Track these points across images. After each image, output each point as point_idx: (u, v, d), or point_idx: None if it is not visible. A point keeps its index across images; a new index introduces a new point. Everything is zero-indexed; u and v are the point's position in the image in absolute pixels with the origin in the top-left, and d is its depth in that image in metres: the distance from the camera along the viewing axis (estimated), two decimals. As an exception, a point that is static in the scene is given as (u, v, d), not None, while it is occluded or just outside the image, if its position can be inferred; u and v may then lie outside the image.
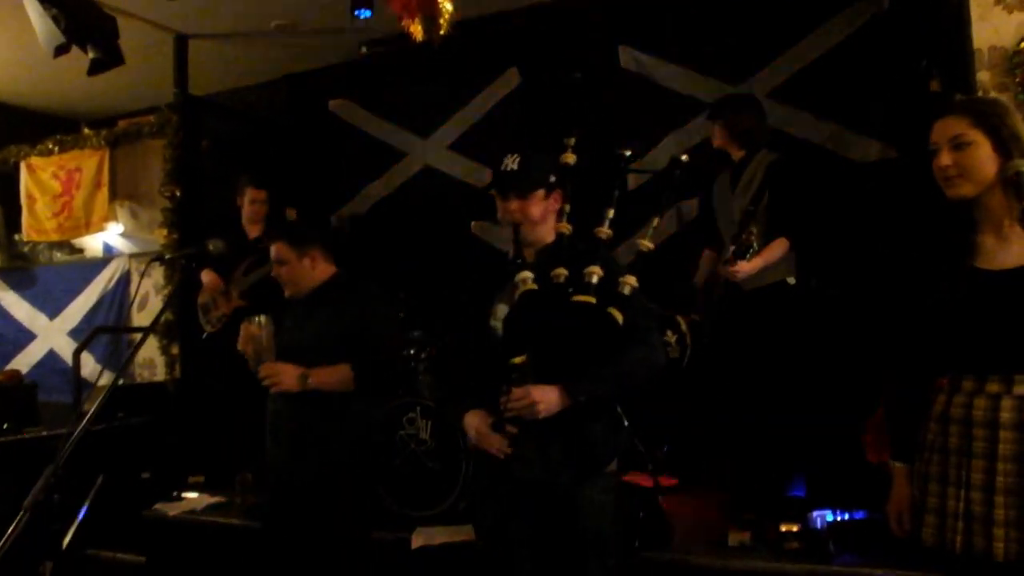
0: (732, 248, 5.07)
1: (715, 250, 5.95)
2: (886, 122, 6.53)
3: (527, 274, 3.65)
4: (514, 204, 3.78)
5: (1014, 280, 2.91)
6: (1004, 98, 5.13)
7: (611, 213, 3.77)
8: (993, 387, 2.93)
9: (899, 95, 6.26)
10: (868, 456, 4.99)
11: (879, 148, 6.60)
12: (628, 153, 3.77)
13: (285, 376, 4.50)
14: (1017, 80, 5.25)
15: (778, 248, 5.32)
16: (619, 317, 3.53)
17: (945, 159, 2.99)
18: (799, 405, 5.45)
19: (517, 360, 3.57)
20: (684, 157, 4.03)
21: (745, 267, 5.12)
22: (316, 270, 4.93)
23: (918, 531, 3.09)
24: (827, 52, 6.88)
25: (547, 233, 3.87)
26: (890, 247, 4.55)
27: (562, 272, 3.62)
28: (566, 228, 3.82)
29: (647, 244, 3.73)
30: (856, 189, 6.41)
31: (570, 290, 3.60)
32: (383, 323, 4.94)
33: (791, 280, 5.54)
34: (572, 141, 3.85)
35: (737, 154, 5.75)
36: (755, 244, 4.99)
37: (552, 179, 3.83)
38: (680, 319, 5.69)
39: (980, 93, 5.26)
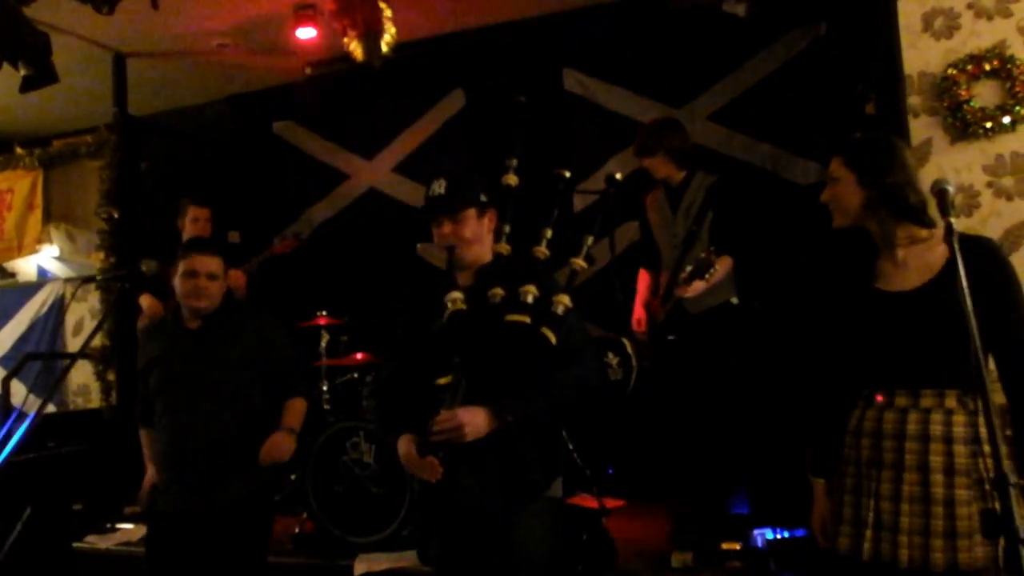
0: (689, 268, 5.34)
1: (652, 271, 6.26)
2: (823, 144, 6.83)
3: (457, 294, 3.65)
4: (447, 227, 3.79)
5: (913, 301, 3.23)
6: (934, 121, 5.65)
7: (549, 233, 3.76)
8: (901, 401, 3.24)
9: (836, 118, 6.62)
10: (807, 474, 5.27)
11: (817, 170, 7.04)
12: (567, 174, 3.87)
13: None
14: (945, 104, 5.61)
15: (722, 267, 5.56)
16: (552, 337, 3.52)
17: (825, 194, 3.50)
18: (744, 423, 5.75)
19: (442, 381, 3.62)
20: (618, 175, 4.17)
21: (700, 286, 5.43)
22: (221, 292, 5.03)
23: (835, 541, 3.36)
24: (767, 76, 7.38)
25: (484, 253, 3.89)
26: (810, 268, 4.78)
27: (498, 292, 3.63)
28: (504, 248, 3.82)
29: (580, 263, 3.72)
30: (794, 210, 6.70)
31: (504, 310, 3.61)
32: (286, 344, 5.18)
33: (734, 300, 5.86)
34: (514, 162, 3.86)
35: (676, 178, 6.03)
36: (715, 263, 5.23)
37: (484, 198, 3.86)
38: (625, 341, 5.94)
39: (912, 116, 5.69)
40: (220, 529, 4.72)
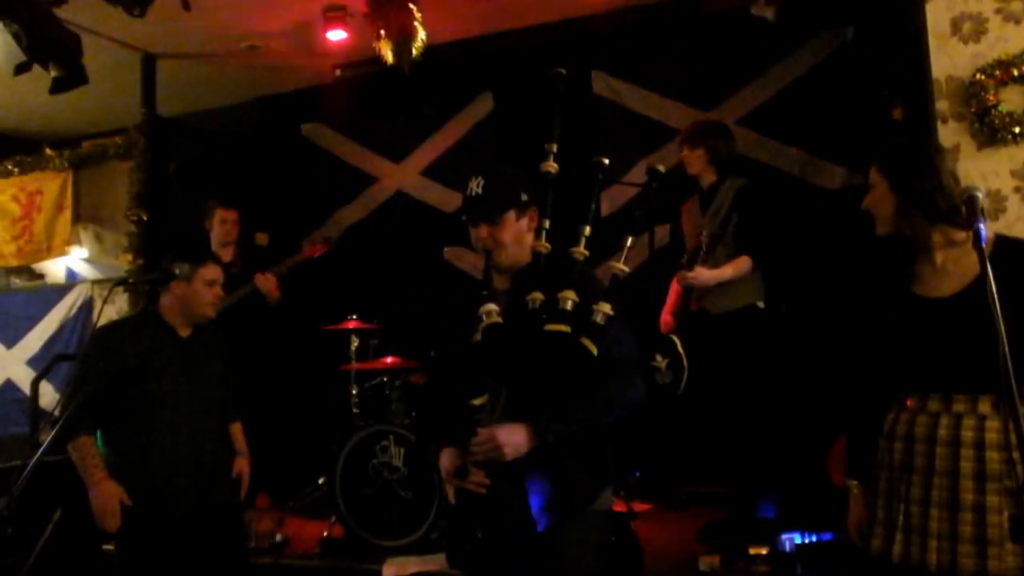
0: (686, 256, 5.48)
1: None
2: (851, 149, 7.09)
3: (492, 307, 3.52)
4: (484, 231, 3.64)
5: (950, 308, 3.24)
6: (961, 126, 5.65)
7: (587, 231, 3.61)
8: (934, 405, 3.26)
9: (864, 123, 6.76)
10: (832, 478, 5.35)
11: (844, 174, 7.19)
12: (606, 162, 3.65)
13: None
14: (973, 110, 5.61)
15: (741, 264, 5.74)
16: (592, 348, 3.39)
17: (864, 202, 3.50)
18: (770, 427, 5.81)
19: (477, 402, 3.52)
20: (661, 167, 3.96)
21: (703, 273, 5.61)
22: None
23: (868, 542, 3.42)
24: (795, 80, 7.48)
25: (522, 254, 3.73)
26: (845, 272, 4.71)
27: (538, 296, 3.48)
28: (543, 247, 3.65)
29: (621, 267, 3.55)
30: (822, 214, 6.87)
31: (544, 316, 3.45)
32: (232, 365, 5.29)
33: (760, 304, 5.95)
34: (554, 147, 3.68)
35: (709, 180, 6.14)
36: (703, 246, 5.44)
37: (524, 197, 3.69)
38: (675, 339, 5.85)
39: (940, 122, 5.70)
40: (210, 533, 4.84)
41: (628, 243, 3.62)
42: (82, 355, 5.25)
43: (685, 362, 5.74)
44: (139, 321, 5.16)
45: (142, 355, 4.75)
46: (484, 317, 3.51)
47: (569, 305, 3.42)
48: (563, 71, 3.89)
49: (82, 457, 4.63)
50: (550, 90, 3.87)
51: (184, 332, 4.95)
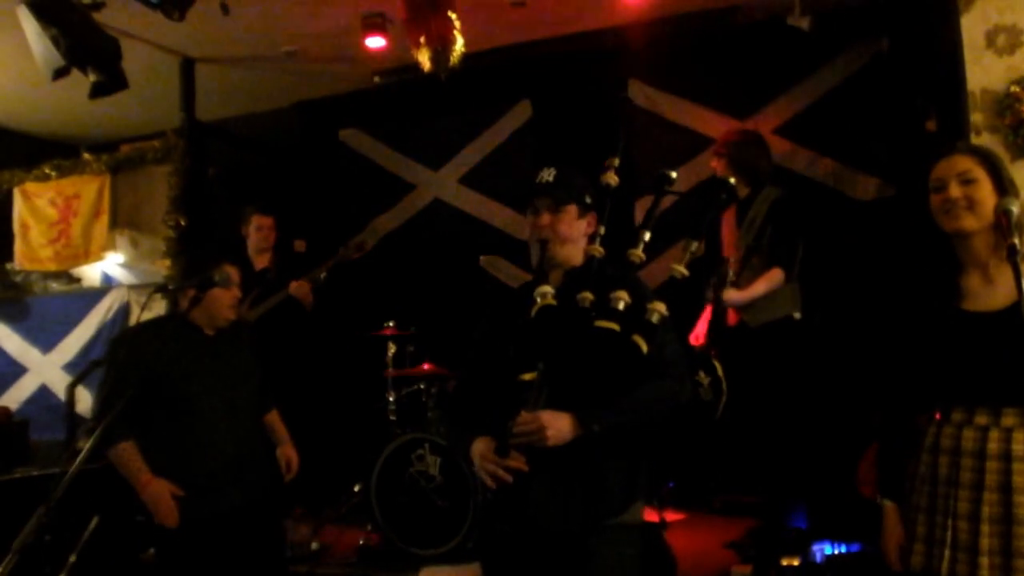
0: (713, 280, 5.66)
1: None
2: (885, 160, 7.18)
3: (547, 288, 3.56)
4: (545, 218, 3.72)
5: (1001, 322, 3.20)
6: (995, 139, 5.71)
7: (647, 236, 3.63)
8: (982, 419, 3.22)
9: (897, 134, 6.89)
10: (861, 489, 5.43)
11: (878, 185, 7.29)
12: (673, 175, 3.72)
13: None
14: (1007, 122, 5.68)
15: (772, 278, 5.81)
16: (643, 346, 3.38)
17: (956, 191, 3.33)
18: (802, 437, 5.89)
19: (527, 376, 3.49)
20: (732, 180, 4.14)
21: (734, 295, 5.72)
22: None
23: (908, 559, 3.36)
24: (829, 91, 7.59)
25: (576, 255, 3.78)
26: (882, 285, 4.70)
27: (588, 296, 3.49)
28: (598, 251, 3.67)
29: (681, 270, 3.51)
30: (856, 225, 6.98)
31: (593, 315, 3.46)
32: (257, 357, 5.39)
33: (796, 315, 6.00)
34: (615, 162, 3.74)
35: (743, 191, 6.19)
36: (730, 272, 5.53)
37: (588, 200, 3.78)
38: (716, 362, 5.83)
39: (973, 134, 5.77)
40: (251, 527, 4.97)
41: (693, 247, 3.57)
42: (109, 361, 5.21)
43: (724, 386, 5.73)
44: (165, 323, 5.33)
45: (171, 356, 4.82)
46: (538, 299, 3.55)
47: (621, 305, 3.43)
48: (629, 96, 3.94)
49: (125, 462, 4.72)
50: (617, 109, 3.87)
51: (210, 331, 5.04)
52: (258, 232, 7.84)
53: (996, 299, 3.29)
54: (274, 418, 5.46)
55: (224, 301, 4.97)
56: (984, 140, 5.71)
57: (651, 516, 6.39)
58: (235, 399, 5.00)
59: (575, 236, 3.77)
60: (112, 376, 4.92)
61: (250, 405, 5.15)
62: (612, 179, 3.74)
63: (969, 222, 3.34)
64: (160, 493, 4.68)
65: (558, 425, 3.34)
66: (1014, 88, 5.65)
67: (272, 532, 5.31)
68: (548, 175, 3.76)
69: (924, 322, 3.44)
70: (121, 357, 4.94)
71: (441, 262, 8.91)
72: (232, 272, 4.96)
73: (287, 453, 5.37)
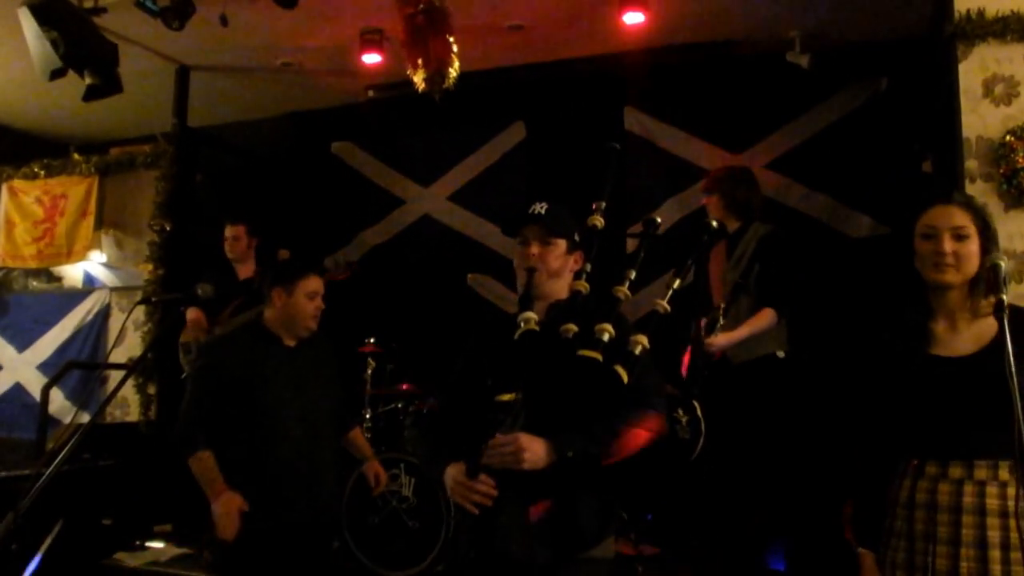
0: (704, 322, 5.63)
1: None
2: (878, 199, 7.25)
3: (531, 315, 3.56)
4: (534, 247, 3.75)
5: (966, 368, 3.27)
6: (989, 187, 5.74)
7: (632, 274, 3.60)
8: (956, 472, 3.23)
9: (892, 174, 6.97)
10: (846, 533, 5.43)
11: (870, 224, 7.37)
12: (659, 220, 3.75)
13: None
14: (1002, 171, 5.69)
15: (763, 319, 5.80)
16: (624, 375, 3.35)
17: (948, 245, 3.33)
18: (783, 476, 5.90)
19: (505, 397, 3.49)
20: (715, 223, 4.11)
21: (719, 340, 5.67)
22: None
23: None
24: (825, 128, 7.69)
25: (561, 289, 3.79)
26: (863, 325, 4.76)
27: (571, 328, 3.47)
28: (584, 287, 3.64)
29: (664, 305, 3.53)
30: (848, 262, 7.05)
31: (576, 345, 3.44)
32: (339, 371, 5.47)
33: (780, 353, 6.00)
34: (603, 205, 3.76)
35: (733, 225, 6.23)
36: (720, 319, 5.50)
37: (576, 238, 3.83)
38: (696, 404, 5.84)
39: (968, 181, 5.78)
40: (307, 544, 5.00)
41: (675, 284, 3.59)
42: (192, 371, 5.36)
43: (703, 427, 5.76)
44: (245, 333, 5.27)
45: (250, 367, 4.93)
46: (522, 323, 3.55)
47: (605, 337, 3.41)
48: (617, 146, 4.00)
49: (203, 471, 4.82)
50: (605, 158, 3.95)
51: (290, 342, 5.09)
52: (235, 242, 7.84)
53: (963, 346, 3.35)
54: (357, 435, 5.60)
55: (305, 310, 5.03)
56: (978, 188, 5.74)
57: (627, 549, 6.39)
58: (311, 413, 5.03)
59: (562, 271, 3.81)
60: (193, 386, 5.07)
61: (327, 420, 5.19)
62: (599, 222, 3.76)
63: (953, 277, 3.36)
64: (228, 506, 4.73)
65: (534, 448, 3.32)
66: (1009, 138, 5.66)
67: (324, 552, 5.35)
68: (540, 208, 3.80)
69: (895, 365, 3.48)
70: (201, 366, 5.13)
71: (427, 279, 8.93)
72: (312, 283, 5.06)
73: (375, 468, 5.51)
